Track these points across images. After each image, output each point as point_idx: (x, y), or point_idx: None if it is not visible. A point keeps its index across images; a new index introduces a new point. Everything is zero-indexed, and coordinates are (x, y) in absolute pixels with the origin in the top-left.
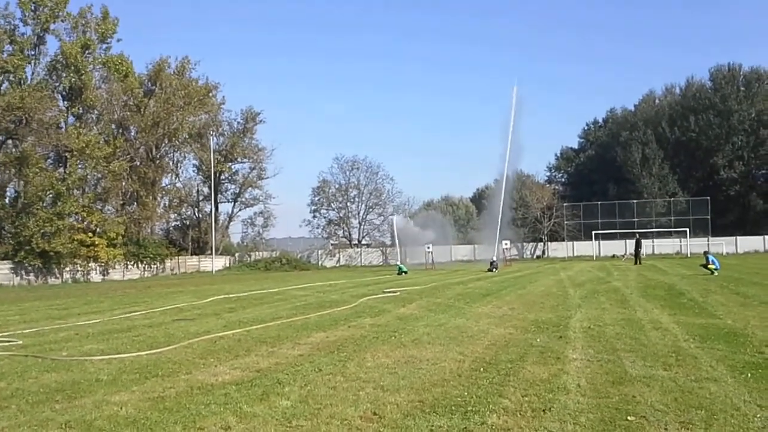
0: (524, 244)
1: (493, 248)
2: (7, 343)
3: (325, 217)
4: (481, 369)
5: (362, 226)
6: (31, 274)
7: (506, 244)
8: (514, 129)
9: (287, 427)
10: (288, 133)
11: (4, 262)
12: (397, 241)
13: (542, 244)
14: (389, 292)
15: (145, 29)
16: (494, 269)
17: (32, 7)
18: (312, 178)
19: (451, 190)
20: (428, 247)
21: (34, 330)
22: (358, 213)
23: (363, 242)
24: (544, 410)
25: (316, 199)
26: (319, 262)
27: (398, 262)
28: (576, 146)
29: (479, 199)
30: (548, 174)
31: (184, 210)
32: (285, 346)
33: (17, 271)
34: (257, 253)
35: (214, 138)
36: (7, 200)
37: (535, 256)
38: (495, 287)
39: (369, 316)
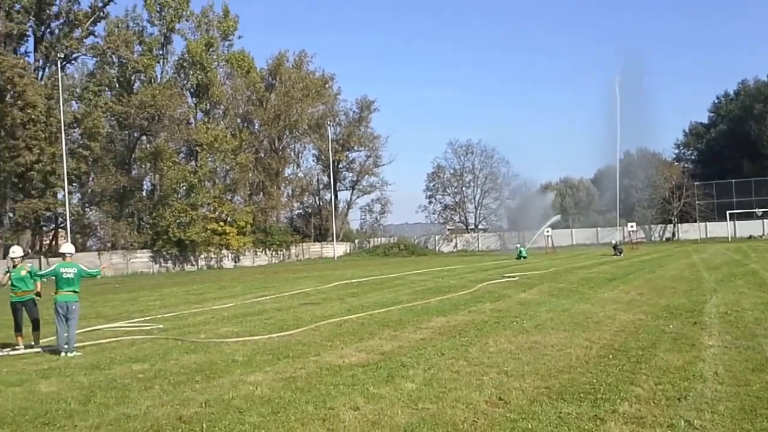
0: (652, 226)
1: (616, 231)
2: (149, 327)
3: (440, 203)
4: (610, 356)
5: (478, 211)
6: (169, 261)
7: (632, 226)
8: (623, 116)
9: (413, 409)
10: (402, 120)
11: (144, 251)
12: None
13: (671, 225)
14: (509, 277)
15: (262, 24)
16: (619, 253)
17: (157, 8)
18: (426, 164)
19: (571, 170)
20: (547, 231)
21: (174, 314)
22: (474, 198)
23: (479, 227)
24: (679, 398)
25: (432, 184)
26: (436, 248)
27: (518, 245)
28: (706, 121)
29: (601, 180)
30: (676, 152)
31: (306, 198)
32: (407, 330)
33: (156, 259)
34: (375, 239)
35: (332, 128)
36: (144, 193)
37: (663, 239)
38: (621, 271)
39: (489, 301)
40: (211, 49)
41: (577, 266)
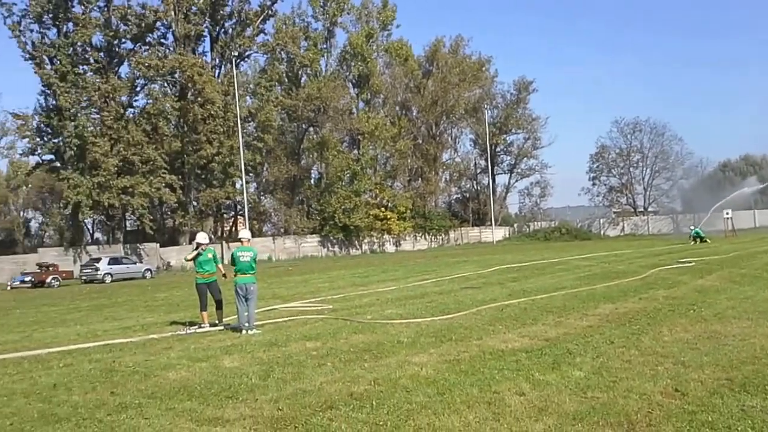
0: None
1: None
2: (320, 308)
3: (605, 185)
4: None
5: (648, 192)
6: (336, 246)
7: None
8: None
9: (582, 397)
10: (562, 100)
11: (313, 235)
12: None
13: None
14: (684, 262)
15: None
16: None
17: (321, 3)
18: (589, 145)
19: (753, 147)
20: (727, 213)
21: (341, 296)
22: (643, 178)
23: (649, 209)
24: None
25: (595, 165)
26: (601, 231)
27: (692, 227)
28: None
29: None
30: None
31: (463, 183)
32: (572, 317)
33: (324, 244)
34: (535, 223)
35: (489, 111)
36: (312, 181)
37: None
38: None
39: (662, 288)
40: (371, 40)
41: (762, 250)
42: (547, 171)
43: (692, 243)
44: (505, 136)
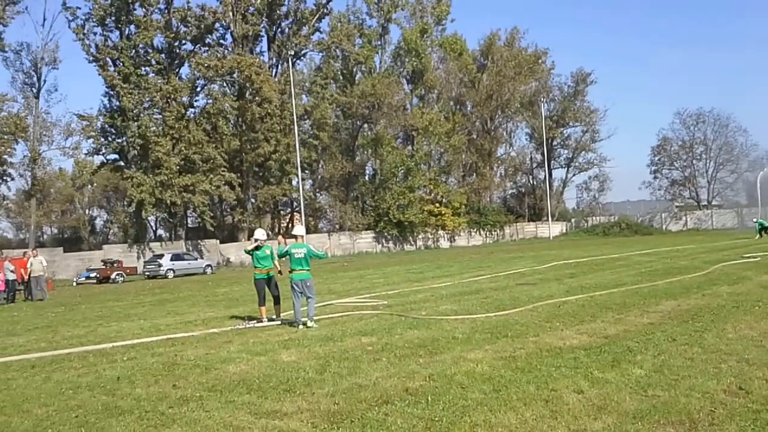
0: None
1: None
2: (375, 303)
3: (667, 178)
4: None
5: (712, 186)
6: (390, 242)
7: None
8: None
9: (643, 396)
10: (621, 92)
11: (368, 231)
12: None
13: None
14: (749, 257)
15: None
16: None
17: (375, 0)
18: (650, 137)
19: None
20: None
21: (396, 291)
22: (707, 171)
23: (713, 203)
24: None
25: (657, 158)
26: (663, 226)
27: (755, 220)
28: None
29: None
30: None
31: (518, 178)
32: (632, 314)
33: (378, 240)
34: (594, 218)
35: (545, 104)
36: (367, 177)
37: None
38: None
39: (726, 284)
40: (425, 35)
41: None
42: (606, 164)
43: (758, 237)
44: (562, 129)
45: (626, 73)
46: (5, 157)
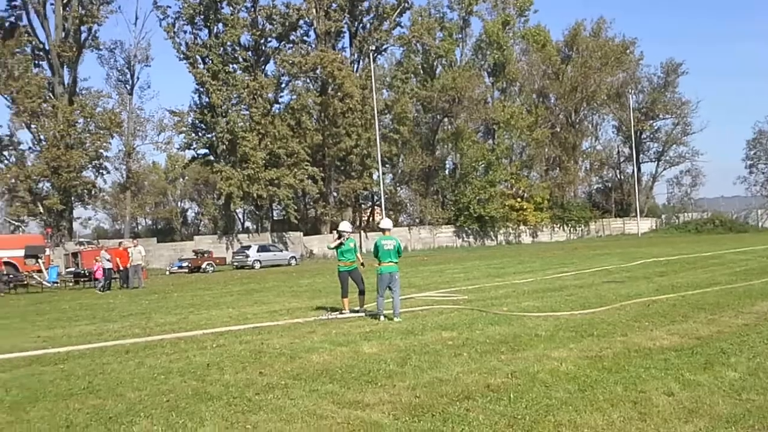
0: None
1: None
2: (455, 298)
3: (763, 173)
4: None
5: None
6: (470, 236)
7: None
8: None
9: (736, 399)
10: (715, 83)
11: (448, 226)
12: None
13: None
14: None
15: None
16: None
17: None
18: (746, 130)
19: None
20: None
21: (476, 286)
22: None
23: None
24: None
25: (753, 152)
26: (759, 223)
27: None
28: None
29: None
30: None
31: (605, 172)
32: (726, 314)
33: (458, 234)
34: (686, 214)
35: (633, 96)
36: (447, 172)
37: None
38: None
39: None
40: (507, 27)
41: None
42: (698, 158)
43: None
44: (651, 122)
45: (721, 63)
46: (101, 151)
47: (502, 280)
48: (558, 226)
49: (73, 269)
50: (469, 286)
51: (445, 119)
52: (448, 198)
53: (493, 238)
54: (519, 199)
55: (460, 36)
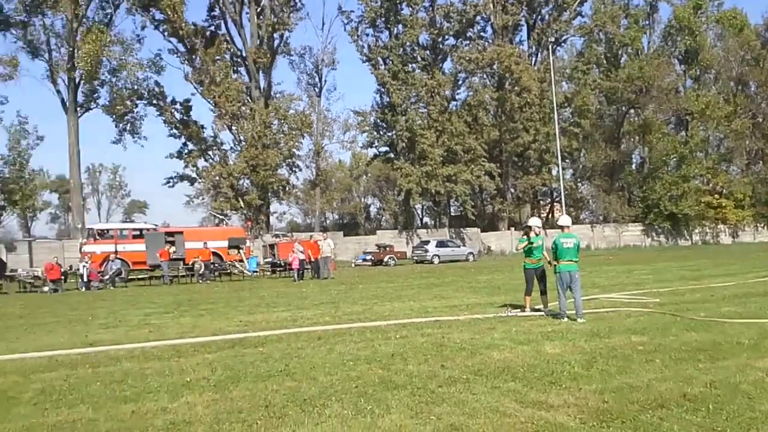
0: None
1: None
2: (645, 300)
3: None
4: None
5: None
6: (661, 235)
7: None
8: None
9: None
10: None
11: (635, 224)
12: None
13: None
14: None
15: None
16: None
17: None
18: None
19: None
20: None
21: (669, 289)
22: None
23: None
24: None
25: None
26: None
27: None
28: None
29: None
30: None
31: None
32: None
33: (647, 233)
34: None
35: None
36: (634, 166)
37: None
38: None
39: None
40: (699, 12)
41: None
42: None
43: None
44: None
45: None
46: (294, 150)
47: (698, 283)
48: (762, 225)
49: (270, 259)
50: (660, 288)
51: (632, 111)
52: (635, 194)
53: (688, 237)
54: (717, 196)
55: (647, 23)
